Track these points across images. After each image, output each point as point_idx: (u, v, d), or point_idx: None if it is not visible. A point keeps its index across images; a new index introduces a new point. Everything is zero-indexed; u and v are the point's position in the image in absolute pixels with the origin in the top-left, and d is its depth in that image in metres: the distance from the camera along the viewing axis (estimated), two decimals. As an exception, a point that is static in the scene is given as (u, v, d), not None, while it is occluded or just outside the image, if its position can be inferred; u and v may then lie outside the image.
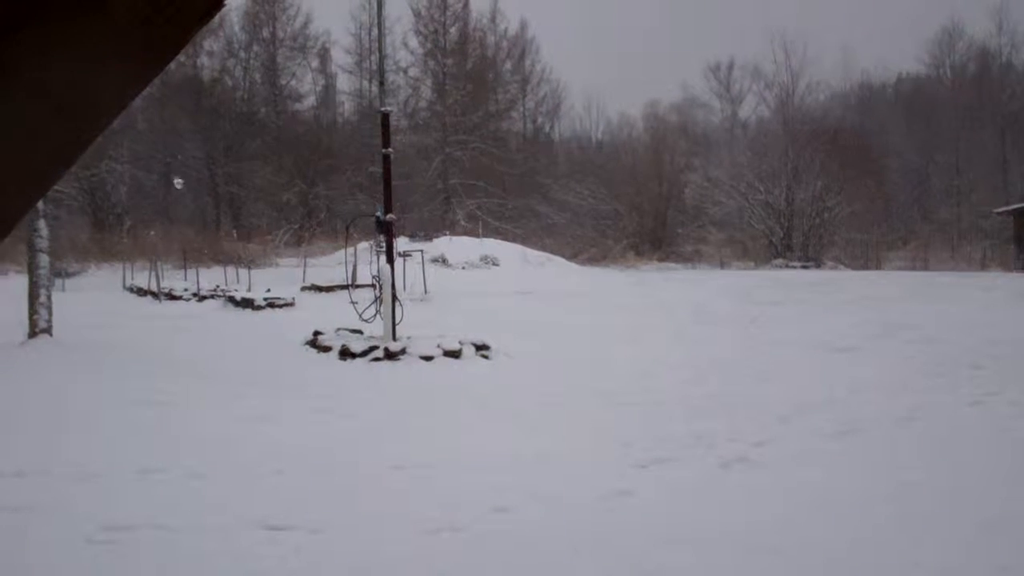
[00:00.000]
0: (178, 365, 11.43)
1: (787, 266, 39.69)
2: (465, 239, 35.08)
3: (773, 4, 74.96)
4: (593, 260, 43.97)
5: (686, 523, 5.48)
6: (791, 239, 43.73)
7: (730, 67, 71.51)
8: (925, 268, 39.17)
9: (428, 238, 33.50)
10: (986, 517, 5.54)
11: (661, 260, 45.73)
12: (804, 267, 39.15)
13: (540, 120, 69.18)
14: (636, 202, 52.15)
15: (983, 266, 40.32)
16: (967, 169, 61.74)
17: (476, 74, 57.57)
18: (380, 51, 15.20)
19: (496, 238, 37.55)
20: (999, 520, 5.49)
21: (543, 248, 38.79)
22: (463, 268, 30.21)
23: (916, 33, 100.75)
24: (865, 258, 43.07)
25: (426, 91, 56.53)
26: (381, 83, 15.19)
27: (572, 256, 41.61)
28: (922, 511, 5.74)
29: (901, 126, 68.36)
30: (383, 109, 13.47)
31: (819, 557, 4.96)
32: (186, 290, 19.86)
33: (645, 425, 8.26)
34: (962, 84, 73.08)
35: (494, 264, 31.84)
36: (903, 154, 64.04)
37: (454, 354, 12.01)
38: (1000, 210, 47.20)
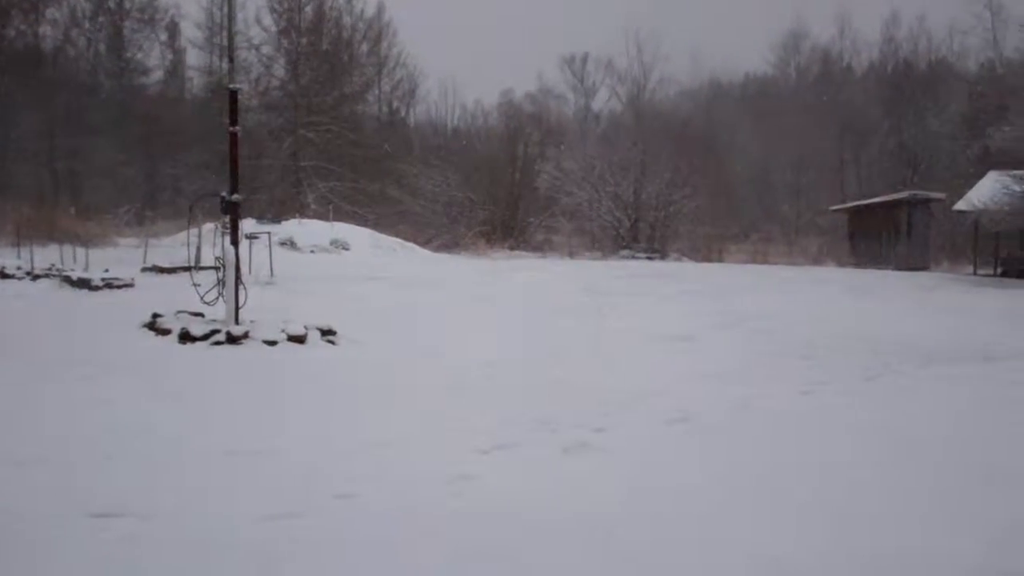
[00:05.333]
0: (3, 346, 11.01)
1: (633, 257, 40.45)
2: (315, 222, 34.72)
3: (627, 0, 76.04)
4: (445, 247, 44.06)
5: (527, 506, 5.55)
6: (638, 230, 44.57)
7: (584, 60, 72.67)
8: (765, 261, 40.42)
9: (276, 220, 33.00)
10: (803, 500, 5.81)
11: (512, 248, 46.05)
12: (649, 258, 39.96)
13: (396, 104, 69.00)
14: (489, 190, 52.35)
15: (818, 261, 41.81)
16: (807, 167, 64.00)
17: (331, 55, 56.93)
18: (230, 26, 14.88)
19: (348, 222, 37.24)
20: (815, 503, 5.74)
21: (395, 234, 38.70)
22: (312, 252, 29.89)
23: (763, 35, 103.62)
24: (708, 250, 44.20)
25: (279, 70, 55.66)
26: (230, 59, 14.86)
27: (424, 242, 41.63)
28: (751, 492, 5.99)
29: (746, 124, 70.32)
30: (231, 86, 13.16)
31: (648, 535, 5.09)
32: (19, 268, 19.07)
33: (490, 411, 8.31)
34: (805, 85, 75.64)
35: (344, 248, 31.59)
36: (747, 151, 65.96)
37: (299, 339, 11.85)
38: (835, 207, 49.07)
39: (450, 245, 45.11)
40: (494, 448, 6.94)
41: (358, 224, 37.64)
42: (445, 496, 5.75)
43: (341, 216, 39.57)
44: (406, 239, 38.14)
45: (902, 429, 7.98)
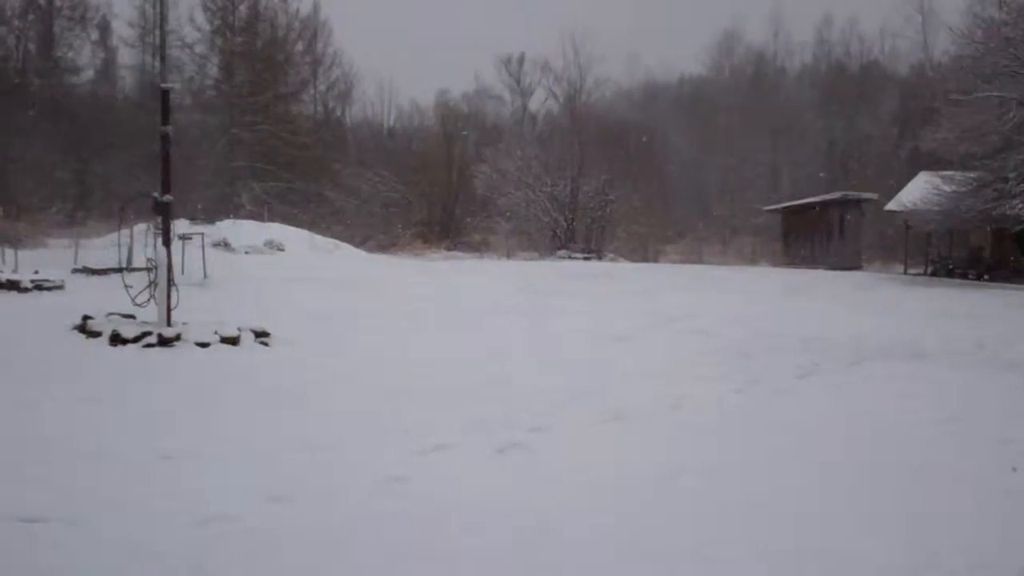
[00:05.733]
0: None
1: (570, 257, 40.59)
2: (249, 223, 34.43)
3: (563, 1, 76.29)
4: (382, 247, 43.93)
5: (460, 507, 5.54)
6: (575, 231, 44.72)
7: (521, 60, 72.61)
8: (700, 261, 40.79)
9: (210, 221, 32.65)
10: (732, 499, 5.88)
11: (449, 249, 46.04)
12: (586, 258, 40.13)
13: (331, 104, 68.60)
14: (426, 191, 52.31)
15: (752, 260, 42.26)
16: (741, 168, 64.66)
17: (266, 54, 56.47)
18: (162, 25, 14.76)
19: (283, 223, 36.95)
20: (743, 502, 5.82)
21: (331, 234, 38.49)
22: (247, 253, 29.63)
23: (698, 36, 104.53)
24: (644, 251, 44.51)
25: (213, 69, 55.12)
26: (162, 58, 14.70)
27: (361, 243, 41.45)
28: (686, 490, 6.05)
29: (682, 125, 70.89)
30: (163, 85, 12.99)
31: (585, 532, 5.13)
32: (-56, 270, 18.71)
33: (425, 412, 8.28)
34: (739, 87, 76.42)
35: (279, 249, 31.35)
36: (683, 152, 66.48)
37: (232, 341, 11.74)
38: (769, 208, 49.63)
39: (387, 245, 44.99)
40: (429, 449, 6.92)
41: (293, 225, 37.34)
42: (379, 498, 5.72)
43: (276, 217, 39.31)
44: (342, 239, 37.92)
45: (829, 428, 8.11)
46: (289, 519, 5.29)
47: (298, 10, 60.40)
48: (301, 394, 9.18)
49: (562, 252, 42.27)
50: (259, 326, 12.33)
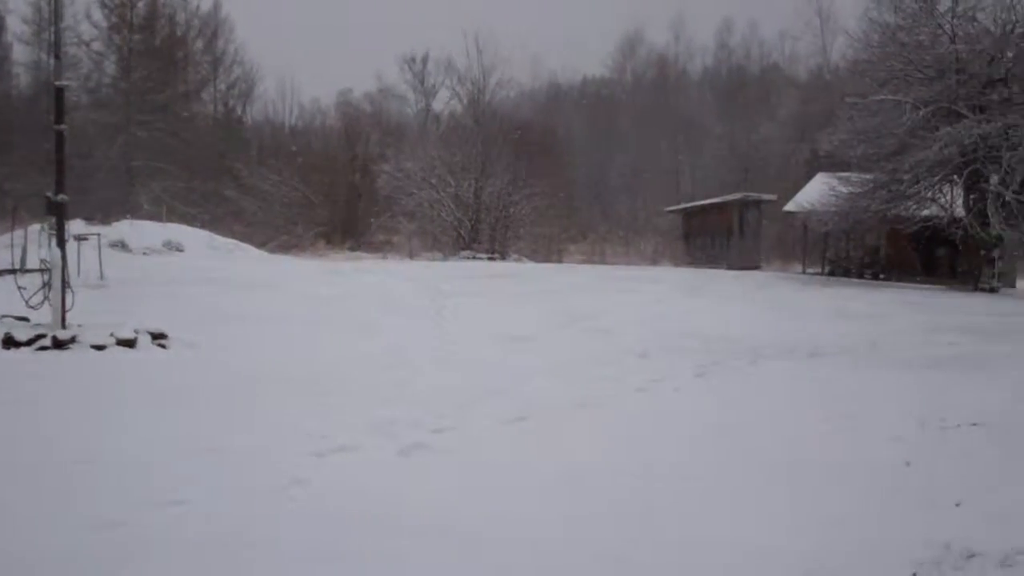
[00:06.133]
0: None
1: (474, 258, 40.55)
2: (148, 223, 33.70)
3: (467, 1, 76.32)
4: (283, 248, 43.41)
5: (361, 509, 5.53)
6: (479, 231, 44.71)
7: (425, 60, 72.33)
8: (603, 262, 41.10)
9: (107, 221, 31.95)
10: (648, 494, 5.98)
11: (352, 250, 45.72)
12: (490, 259, 40.14)
13: (232, 103, 67.52)
14: (328, 191, 51.86)
15: (655, 260, 42.71)
16: (643, 169, 65.37)
17: (165, 52, 55.45)
18: (56, 21, 14.36)
19: (182, 223, 36.30)
20: (656, 497, 5.90)
21: (232, 235, 37.85)
22: (145, 254, 29.01)
23: (602, 38, 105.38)
24: (548, 251, 44.70)
25: (110, 67, 53.95)
26: (57, 56, 14.31)
27: (262, 244, 40.88)
28: (588, 488, 6.14)
29: (585, 126, 71.41)
30: (58, 83, 12.71)
31: (491, 533, 5.17)
32: None
33: (328, 414, 8.22)
34: (642, 89, 77.29)
35: (178, 250, 30.77)
36: (586, 153, 66.96)
37: (128, 343, 11.52)
38: (671, 209, 50.20)
39: (289, 246, 44.48)
40: (330, 451, 6.88)
41: (193, 225, 36.71)
42: (279, 501, 5.67)
43: (175, 217, 38.62)
44: (243, 240, 37.37)
45: (727, 426, 8.25)
46: (184, 523, 5.22)
47: (198, 7, 59.48)
48: (199, 396, 9.05)
49: (466, 252, 42.22)
50: (156, 328, 12.12)
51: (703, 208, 45.16)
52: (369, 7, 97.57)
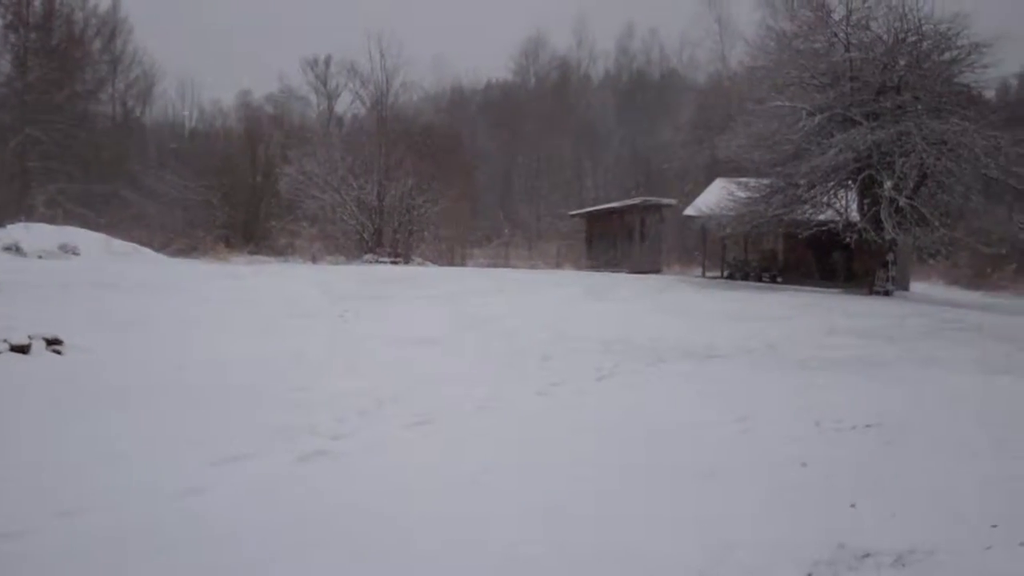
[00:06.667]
0: None
1: (378, 262, 40.28)
2: (43, 226, 32.92)
3: (369, 3, 75.88)
4: (183, 251, 42.62)
5: (256, 517, 5.44)
6: (382, 235, 44.45)
7: (327, 62, 71.89)
8: (507, 265, 41.18)
9: (0, 224, 31.14)
10: (550, 496, 6.01)
11: (253, 253, 45.05)
12: (394, 263, 39.91)
13: (131, 104, 66.35)
14: (229, 194, 51.04)
15: (558, 264, 42.93)
16: (547, 172, 65.71)
17: (62, 51, 54.22)
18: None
19: (79, 226, 35.51)
20: (557, 500, 5.91)
21: (131, 238, 37.11)
22: (40, 257, 28.32)
23: (504, 42, 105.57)
24: (451, 255, 44.64)
25: (5, 66, 52.62)
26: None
27: (161, 247, 40.16)
28: (491, 491, 6.16)
29: (489, 130, 71.53)
30: (-57, 81, 12.33)
31: (393, 538, 5.16)
32: None
33: (224, 420, 8.09)
34: (544, 93, 77.66)
35: (74, 253, 30.11)
36: (490, 157, 67.09)
37: (22, 349, 11.18)
38: (574, 212, 50.50)
39: (189, 249, 43.64)
40: (227, 459, 6.75)
41: (90, 228, 35.92)
42: (174, 510, 5.55)
43: (72, 219, 37.74)
44: (142, 243, 36.65)
45: (628, 428, 8.31)
46: (77, 533, 5.09)
47: (96, 6, 58.29)
48: (95, 403, 8.81)
49: (369, 256, 41.88)
50: (51, 333, 11.79)
51: (605, 212, 45.47)
52: (271, 9, 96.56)
